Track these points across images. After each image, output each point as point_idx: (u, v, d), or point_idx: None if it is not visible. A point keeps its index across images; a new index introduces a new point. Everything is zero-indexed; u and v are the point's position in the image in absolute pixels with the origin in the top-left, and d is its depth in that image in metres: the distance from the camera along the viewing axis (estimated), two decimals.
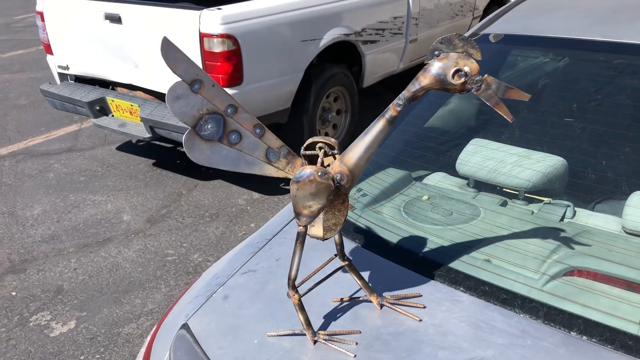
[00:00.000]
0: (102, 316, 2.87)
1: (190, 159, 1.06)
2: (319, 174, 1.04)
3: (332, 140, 1.12)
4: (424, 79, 1.02)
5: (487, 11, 6.08)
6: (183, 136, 1.04)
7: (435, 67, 1.01)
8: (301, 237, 1.10)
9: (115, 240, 3.53)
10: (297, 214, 1.08)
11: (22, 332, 2.78)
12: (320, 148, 1.13)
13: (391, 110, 1.04)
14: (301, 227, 1.09)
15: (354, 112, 4.58)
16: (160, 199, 4.00)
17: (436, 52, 1.01)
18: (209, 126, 1.04)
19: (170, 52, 0.98)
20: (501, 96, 1.00)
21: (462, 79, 0.99)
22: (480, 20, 6.02)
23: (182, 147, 4.67)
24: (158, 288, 3.07)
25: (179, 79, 1.01)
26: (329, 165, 1.11)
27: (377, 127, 1.06)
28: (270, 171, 1.10)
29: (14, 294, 3.07)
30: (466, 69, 0.98)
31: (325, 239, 1.15)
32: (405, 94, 1.04)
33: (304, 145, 1.14)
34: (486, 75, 1.00)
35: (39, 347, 2.68)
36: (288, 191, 4.06)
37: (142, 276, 3.18)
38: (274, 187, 4.11)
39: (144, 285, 3.10)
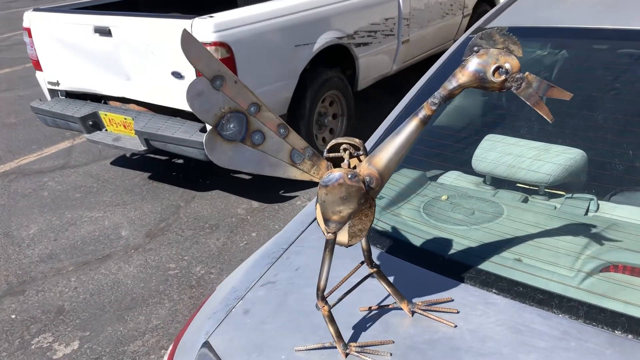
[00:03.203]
0: (106, 335, 2.79)
1: (212, 161, 1.00)
2: (349, 176, 0.98)
3: (357, 140, 1.06)
4: (462, 77, 0.96)
5: (476, 9, 6.07)
6: (204, 137, 0.97)
7: (474, 63, 0.95)
8: (330, 245, 1.04)
9: (114, 257, 3.45)
10: (326, 220, 1.01)
11: (24, 355, 2.70)
12: (345, 149, 1.07)
13: (425, 110, 0.98)
14: (330, 234, 1.03)
15: (350, 115, 4.53)
16: (158, 213, 3.92)
17: (475, 48, 0.95)
18: (232, 125, 0.97)
19: (191, 46, 0.91)
20: (542, 95, 0.95)
21: (503, 77, 0.94)
22: (470, 19, 6.00)
23: (178, 159, 4.56)
24: (162, 303, 3.00)
25: (199, 76, 0.95)
26: (355, 168, 1.05)
27: (409, 127, 1.00)
28: (295, 174, 1.03)
29: (13, 316, 2.98)
30: (507, 66, 0.93)
31: (350, 246, 1.09)
32: (441, 92, 0.98)
33: (327, 147, 1.08)
34: (527, 72, 0.95)
35: None
36: (288, 198, 4.00)
37: (144, 292, 3.10)
38: (273, 194, 4.05)
39: (147, 301, 3.02)
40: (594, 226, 1.36)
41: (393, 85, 5.84)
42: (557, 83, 1.86)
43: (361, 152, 1.07)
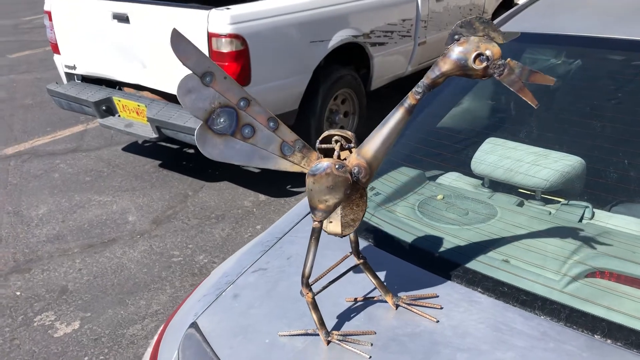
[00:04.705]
0: (107, 317, 2.84)
1: (203, 154, 1.03)
2: (336, 166, 1.00)
3: (349, 133, 1.09)
4: (444, 65, 0.98)
5: (495, 14, 6.05)
6: (195, 131, 1.00)
7: (455, 51, 0.97)
8: (316, 233, 1.06)
9: (120, 241, 3.50)
10: (313, 209, 1.04)
11: (26, 332, 2.75)
12: (337, 141, 1.09)
13: (410, 99, 1.01)
14: (316, 222, 1.06)
15: (361, 114, 4.54)
16: (166, 200, 3.97)
17: (456, 36, 0.97)
18: (222, 120, 1.00)
19: (180, 44, 0.95)
20: (525, 80, 0.96)
21: (484, 64, 0.95)
22: None
23: (189, 148, 4.61)
24: (163, 289, 3.04)
25: (190, 72, 0.98)
26: (345, 159, 1.07)
27: (395, 116, 1.02)
28: (285, 165, 1.06)
29: (18, 293, 3.04)
30: (488, 52, 0.95)
31: (344, 236, 1.11)
32: (424, 81, 1.00)
33: (320, 138, 1.10)
34: (509, 59, 0.96)
35: (43, 347, 2.65)
36: (294, 193, 4.03)
37: (147, 277, 3.14)
38: (280, 189, 4.08)
39: (149, 287, 3.06)
40: (586, 233, 1.37)
41: (407, 87, 5.84)
42: (562, 90, 1.87)
43: (352, 145, 1.09)
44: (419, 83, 1.00)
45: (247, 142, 1.03)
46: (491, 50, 0.95)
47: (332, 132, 1.10)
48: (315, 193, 1.02)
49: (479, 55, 0.95)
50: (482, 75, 0.97)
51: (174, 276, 3.15)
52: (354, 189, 1.04)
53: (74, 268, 3.24)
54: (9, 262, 3.32)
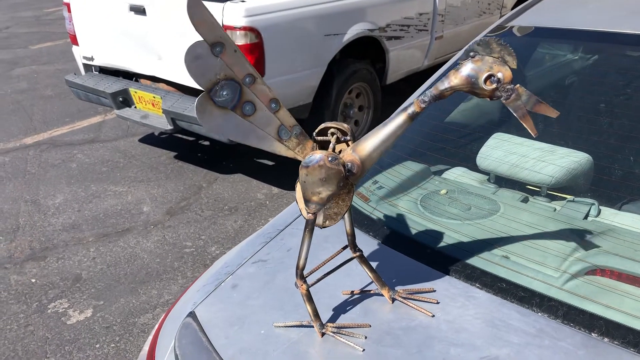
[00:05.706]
0: (119, 306, 2.88)
1: (200, 123, 1.02)
2: (330, 159, 1.00)
3: (345, 125, 1.09)
4: (454, 79, 0.98)
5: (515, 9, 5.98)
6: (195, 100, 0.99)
7: (468, 68, 0.97)
8: (310, 225, 1.07)
9: (134, 231, 3.54)
10: (306, 201, 1.04)
11: (40, 318, 2.80)
12: (333, 134, 1.09)
13: (414, 106, 1.00)
14: (310, 214, 1.06)
15: (376, 108, 4.53)
16: (180, 191, 4.00)
17: (471, 54, 0.97)
18: (225, 92, 0.99)
19: (196, 9, 0.93)
20: (529, 109, 0.96)
21: (494, 85, 0.95)
22: None
23: (204, 140, 4.62)
24: (175, 279, 3.07)
25: (200, 39, 0.97)
26: (340, 152, 1.07)
27: (396, 121, 1.02)
28: (280, 149, 1.06)
29: (33, 280, 3.09)
30: (499, 75, 0.95)
31: (324, 227, 1.12)
32: (432, 91, 0.99)
33: (316, 130, 1.10)
34: (518, 85, 0.96)
35: (56, 334, 2.70)
36: None
37: (159, 267, 3.18)
38: (293, 182, 4.05)
39: (161, 277, 3.10)
40: (589, 230, 1.35)
41: (423, 81, 5.81)
42: (571, 85, 1.85)
43: (349, 138, 1.09)
44: (426, 92, 1.00)
45: (246, 119, 1.03)
46: (503, 73, 0.95)
47: (328, 124, 1.10)
48: (308, 185, 1.02)
49: (490, 76, 0.95)
50: (489, 96, 0.97)
51: (186, 267, 3.18)
52: (344, 184, 1.04)
53: (88, 257, 3.29)
54: (26, 249, 3.38)
